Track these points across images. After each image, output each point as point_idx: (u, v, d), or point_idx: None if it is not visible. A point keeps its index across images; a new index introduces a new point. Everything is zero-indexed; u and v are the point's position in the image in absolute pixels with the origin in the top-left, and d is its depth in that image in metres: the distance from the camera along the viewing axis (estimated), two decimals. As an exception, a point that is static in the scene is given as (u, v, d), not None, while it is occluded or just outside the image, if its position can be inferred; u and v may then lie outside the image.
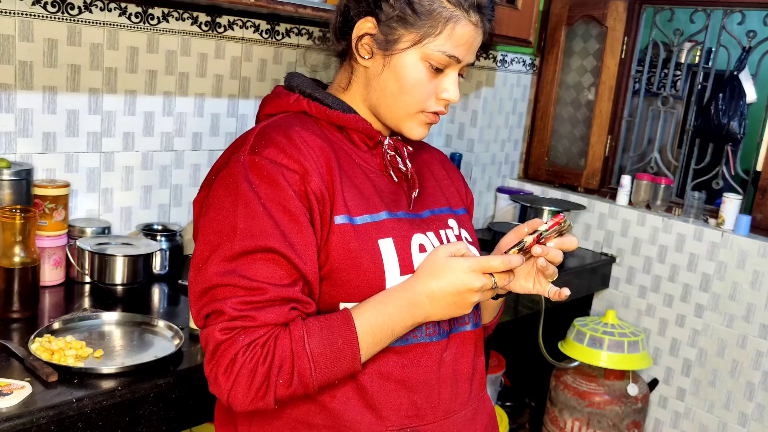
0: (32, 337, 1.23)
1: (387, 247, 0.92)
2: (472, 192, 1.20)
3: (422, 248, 0.96)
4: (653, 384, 2.50)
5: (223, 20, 1.84)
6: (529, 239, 0.93)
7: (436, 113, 0.97)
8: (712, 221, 2.41)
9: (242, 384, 0.81)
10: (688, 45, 2.79)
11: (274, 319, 0.83)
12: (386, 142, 0.99)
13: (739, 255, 2.29)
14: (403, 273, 0.93)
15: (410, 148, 1.03)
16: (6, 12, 1.47)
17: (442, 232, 1.02)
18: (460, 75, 0.98)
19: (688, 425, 2.46)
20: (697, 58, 2.72)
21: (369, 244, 0.91)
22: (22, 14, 1.50)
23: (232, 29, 1.87)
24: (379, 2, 0.93)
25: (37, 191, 1.53)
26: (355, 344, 0.86)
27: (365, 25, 0.94)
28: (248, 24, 1.89)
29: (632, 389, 2.33)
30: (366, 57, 0.95)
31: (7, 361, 1.18)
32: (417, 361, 0.94)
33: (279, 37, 1.96)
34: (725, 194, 2.35)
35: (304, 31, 2.01)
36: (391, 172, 0.99)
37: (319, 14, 1.62)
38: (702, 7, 2.45)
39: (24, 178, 1.48)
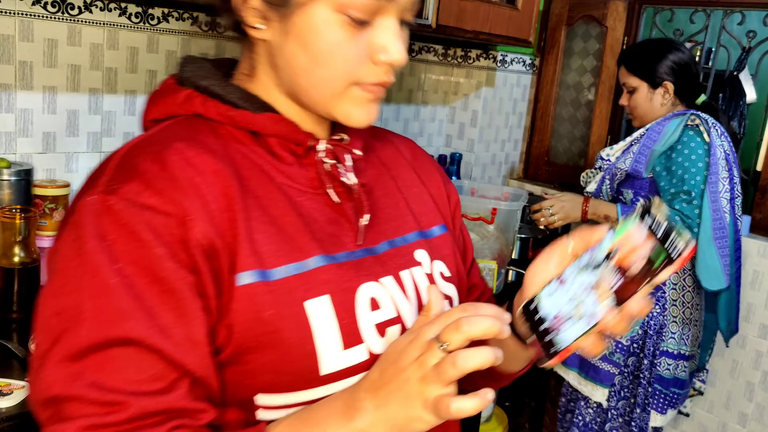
0: (32, 336, 1.23)
1: (320, 310, 0.64)
2: (455, 189, 0.90)
3: (375, 304, 0.68)
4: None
5: (224, 20, 1.84)
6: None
7: (378, 84, 0.67)
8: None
9: None
10: (688, 45, 2.79)
11: None
12: (320, 147, 0.70)
13: (739, 255, 2.29)
14: (348, 346, 0.64)
15: (357, 152, 0.73)
16: (6, 12, 1.47)
17: (405, 274, 0.73)
18: (406, 25, 0.69)
19: (687, 425, 2.45)
20: (697, 58, 2.72)
21: (292, 310, 0.63)
22: (22, 14, 1.50)
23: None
24: None
25: (37, 191, 1.53)
26: None
27: None
28: (248, 24, 1.89)
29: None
30: (259, 26, 0.67)
31: (7, 361, 1.18)
32: None
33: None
34: (725, 194, 2.35)
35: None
36: (331, 190, 0.70)
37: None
38: (702, 7, 2.45)
39: (24, 178, 1.48)
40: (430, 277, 0.75)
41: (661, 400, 1.98)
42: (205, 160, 0.63)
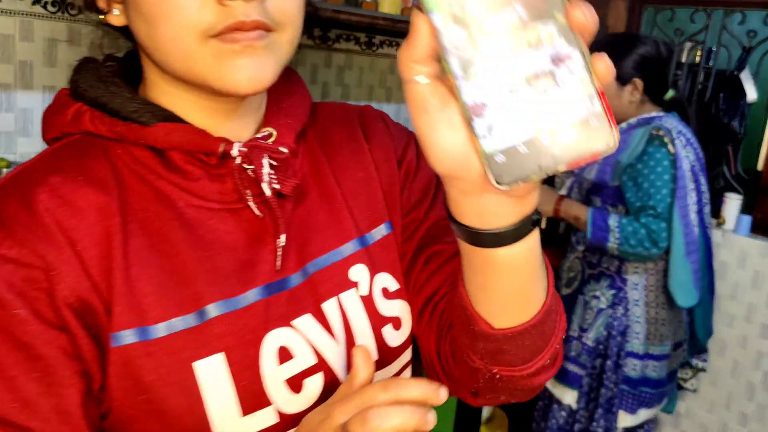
0: None
1: (212, 371, 0.54)
2: (407, 141, 0.71)
3: (285, 354, 0.57)
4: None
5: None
6: None
7: (236, 28, 0.51)
8: (713, 221, 2.41)
9: None
10: (688, 45, 2.79)
11: None
12: (234, 151, 0.56)
13: (740, 255, 2.28)
14: (249, 411, 0.55)
15: (283, 150, 0.59)
16: (6, 12, 1.47)
17: (329, 305, 0.61)
18: None
19: (688, 425, 2.45)
20: (697, 58, 2.71)
21: (178, 373, 0.53)
22: (22, 14, 1.49)
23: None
24: None
25: (37, 191, 1.53)
26: None
27: None
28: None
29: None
30: (111, 11, 0.58)
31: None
32: None
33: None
34: (726, 194, 2.34)
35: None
36: (251, 203, 0.58)
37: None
38: (702, 7, 2.45)
39: (24, 178, 1.49)
40: (367, 300, 0.63)
41: (630, 400, 1.97)
42: (86, 195, 0.53)
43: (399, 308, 0.65)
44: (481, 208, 0.46)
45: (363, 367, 0.49)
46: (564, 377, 2.02)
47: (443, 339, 0.65)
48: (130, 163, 0.56)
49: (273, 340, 0.57)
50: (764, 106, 2.47)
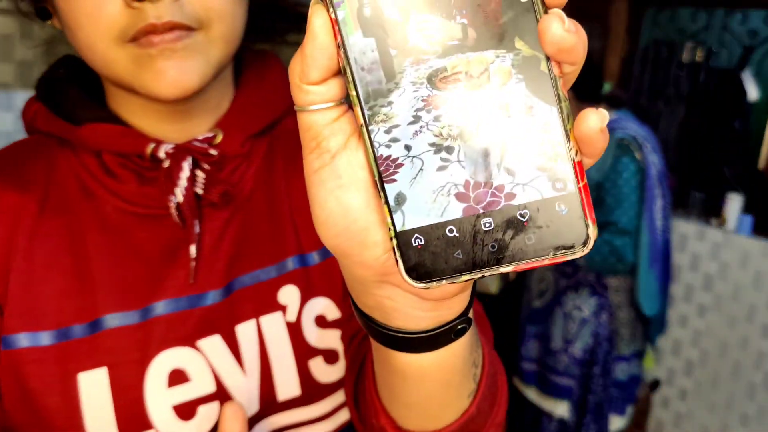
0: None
1: (94, 386, 0.51)
2: None
3: (179, 377, 0.52)
4: (655, 385, 2.50)
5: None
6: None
7: (149, 32, 0.47)
8: (714, 221, 2.40)
9: None
10: (690, 44, 2.79)
11: None
12: (161, 153, 0.52)
13: (741, 255, 2.28)
14: None
15: (213, 152, 0.53)
16: (6, 11, 1.47)
17: (246, 328, 0.55)
18: None
19: (690, 426, 2.45)
20: (698, 58, 2.71)
21: (62, 383, 0.50)
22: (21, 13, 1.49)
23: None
24: None
25: (37, 191, 1.53)
26: None
27: None
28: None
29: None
30: (54, 16, 0.57)
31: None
32: None
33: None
34: (727, 194, 2.34)
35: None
36: (173, 210, 0.53)
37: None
38: (704, 8, 2.44)
39: (23, 178, 1.48)
40: (294, 327, 0.55)
41: (618, 401, 1.96)
42: (3, 196, 0.53)
43: (336, 340, 0.57)
44: (380, 301, 0.34)
45: (230, 425, 0.44)
46: (553, 390, 2.00)
47: (362, 379, 0.53)
48: (75, 164, 0.55)
49: (167, 360, 0.52)
50: (765, 105, 2.46)
